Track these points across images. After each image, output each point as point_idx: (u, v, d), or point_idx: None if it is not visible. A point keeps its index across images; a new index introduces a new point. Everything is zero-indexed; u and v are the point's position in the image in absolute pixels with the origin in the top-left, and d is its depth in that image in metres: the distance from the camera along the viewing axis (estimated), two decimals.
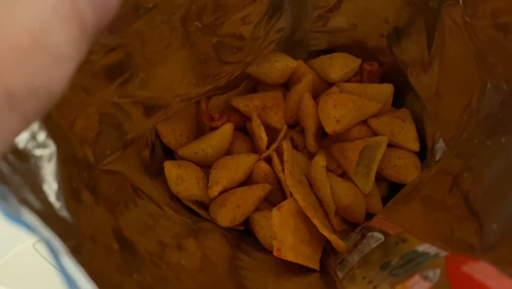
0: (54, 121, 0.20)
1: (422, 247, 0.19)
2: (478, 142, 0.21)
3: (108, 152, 0.26)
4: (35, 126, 0.18)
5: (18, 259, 0.41)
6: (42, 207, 0.16)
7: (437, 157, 0.30)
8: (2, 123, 0.10)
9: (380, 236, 0.23)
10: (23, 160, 0.16)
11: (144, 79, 0.25)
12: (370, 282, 0.22)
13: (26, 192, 0.15)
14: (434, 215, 0.21)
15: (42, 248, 0.41)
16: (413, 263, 0.20)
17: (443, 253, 0.18)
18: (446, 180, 0.22)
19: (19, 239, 0.41)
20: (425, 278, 0.18)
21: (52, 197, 0.17)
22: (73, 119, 0.22)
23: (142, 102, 0.26)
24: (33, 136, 0.18)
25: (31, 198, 0.15)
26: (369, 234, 0.25)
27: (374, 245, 0.23)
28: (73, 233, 0.17)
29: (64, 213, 0.17)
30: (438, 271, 0.18)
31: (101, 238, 0.20)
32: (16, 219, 0.14)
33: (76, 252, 0.15)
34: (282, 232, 0.29)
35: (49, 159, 0.18)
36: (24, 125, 0.11)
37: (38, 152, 0.18)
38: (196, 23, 0.25)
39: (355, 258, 0.24)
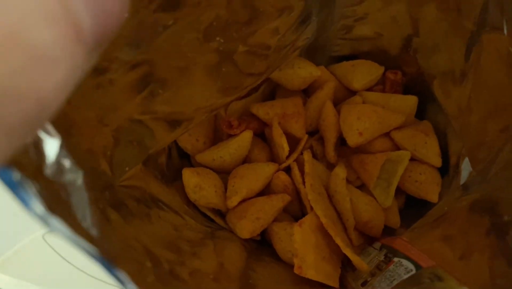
0: (73, 142, 0.19)
1: None
2: None
3: (127, 168, 0.25)
4: (58, 152, 0.17)
5: (28, 250, 0.41)
6: (80, 239, 0.15)
7: (463, 178, 0.29)
8: None
9: (411, 267, 0.22)
10: (53, 191, 0.16)
11: (167, 94, 0.24)
12: None
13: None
14: (468, 254, 0.21)
15: (51, 239, 0.41)
16: None
17: None
18: (482, 220, 0.21)
19: (28, 230, 0.41)
20: None
21: (86, 224, 0.17)
22: (92, 138, 0.22)
23: (164, 117, 0.26)
24: (59, 164, 0.17)
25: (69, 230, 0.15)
26: (396, 259, 0.25)
27: (404, 276, 0.22)
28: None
29: (101, 241, 0.17)
30: None
31: (136, 259, 0.20)
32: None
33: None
34: (304, 249, 0.28)
35: (77, 185, 0.18)
36: (12, 143, 0.10)
37: (66, 179, 0.17)
38: (218, 38, 0.24)
39: (383, 286, 0.23)
